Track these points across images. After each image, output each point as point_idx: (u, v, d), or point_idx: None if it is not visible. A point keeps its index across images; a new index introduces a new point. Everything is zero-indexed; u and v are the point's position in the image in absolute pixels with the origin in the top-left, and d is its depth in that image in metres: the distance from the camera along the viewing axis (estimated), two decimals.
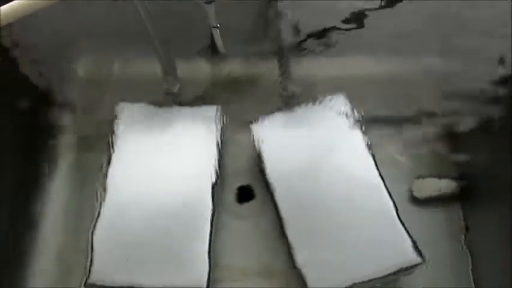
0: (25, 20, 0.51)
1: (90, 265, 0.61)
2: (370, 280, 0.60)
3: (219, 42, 0.75)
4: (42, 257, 0.70)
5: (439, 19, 0.79)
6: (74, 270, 0.68)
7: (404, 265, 0.60)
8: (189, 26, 0.78)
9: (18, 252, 0.69)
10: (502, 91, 0.67)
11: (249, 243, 0.70)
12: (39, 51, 0.77)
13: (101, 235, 0.63)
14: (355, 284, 0.60)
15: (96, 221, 0.64)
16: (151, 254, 0.62)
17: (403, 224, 0.63)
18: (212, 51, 0.80)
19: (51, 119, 0.80)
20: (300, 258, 0.62)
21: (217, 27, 0.71)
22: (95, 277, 0.60)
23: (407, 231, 0.62)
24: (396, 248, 0.61)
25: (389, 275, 0.60)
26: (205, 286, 0.60)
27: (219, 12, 0.69)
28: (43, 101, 0.80)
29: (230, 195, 0.74)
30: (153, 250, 0.62)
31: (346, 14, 0.80)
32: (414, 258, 0.60)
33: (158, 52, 0.69)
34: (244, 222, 0.71)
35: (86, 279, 0.60)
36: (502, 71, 0.67)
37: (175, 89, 0.76)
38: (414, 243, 0.61)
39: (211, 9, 0.67)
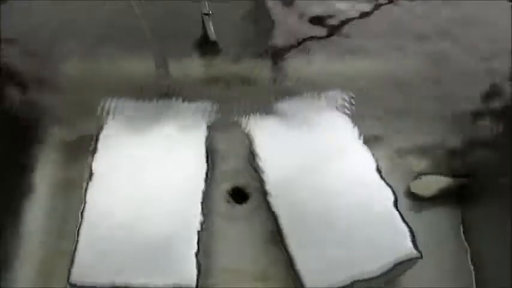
0: (12, 18, 0.50)
1: (71, 266, 0.59)
2: (370, 278, 0.58)
3: (210, 30, 0.74)
4: (25, 261, 0.66)
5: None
6: (56, 272, 0.65)
7: (404, 259, 0.59)
8: (182, 21, 0.77)
9: (1, 256, 0.66)
10: (504, 89, 0.67)
11: (243, 246, 0.67)
12: (26, 49, 0.77)
13: (85, 237, 0.60)
14: (355, 281, 0.58)
15: (81, 224, 0.61)
16: (137, 255, 0.60)
17: (403, 220, 0.61)
18: (204, 41, 0.78)
19: (37, 118, 0.77)
20: (299, 259, 0.60)
21: (208, 14, 0.70)
22: (76, 277, 0.58)
23: (409, 226, 0.61)
24: (396, 244, 0.60)
25: (390, 270, 0.59)
26: (194, 286, 0.58)
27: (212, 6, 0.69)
28: (29, 99, 0.77)
29: (222, 196, 0.70)
30: (139, 252, 0.60)
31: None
32: (414, 252, 0.59)
33: (151, 45, 0.68)
34: (238, 224, 0.68)
35: (68, 279, 0.58)
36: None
37: (167, 83, 0.75)
38: (413, 237, 0.60)
39: None
